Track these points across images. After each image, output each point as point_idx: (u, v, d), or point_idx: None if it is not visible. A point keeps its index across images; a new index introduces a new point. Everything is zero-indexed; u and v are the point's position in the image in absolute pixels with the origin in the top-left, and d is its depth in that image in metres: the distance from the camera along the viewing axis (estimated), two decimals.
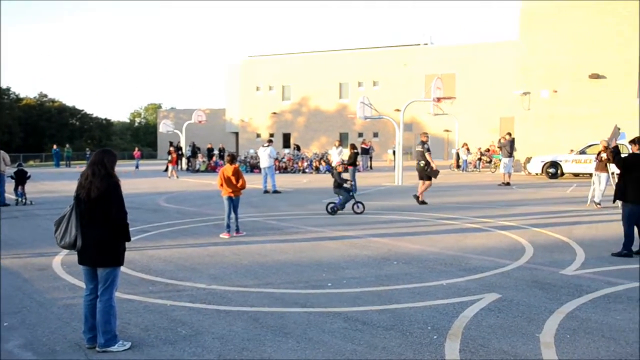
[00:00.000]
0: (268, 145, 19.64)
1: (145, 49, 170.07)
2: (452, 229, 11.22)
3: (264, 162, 19.41)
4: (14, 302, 6.35)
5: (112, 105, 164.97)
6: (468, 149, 32.54)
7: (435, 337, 5.08)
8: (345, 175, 14.35)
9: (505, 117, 40.47)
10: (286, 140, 53.42)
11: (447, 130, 45.03)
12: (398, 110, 29.08)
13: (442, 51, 47.56)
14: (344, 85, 51.53)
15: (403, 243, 9.69)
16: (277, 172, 26.47)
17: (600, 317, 5.60)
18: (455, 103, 28.64)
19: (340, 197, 13.64)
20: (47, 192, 20.52)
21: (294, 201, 16.76)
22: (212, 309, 6.01)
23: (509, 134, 22.41)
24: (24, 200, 16.50)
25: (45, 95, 79.77)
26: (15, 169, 16.86)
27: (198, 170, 34.32)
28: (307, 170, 31.92)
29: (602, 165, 14.54)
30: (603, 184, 14.54)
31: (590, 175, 16.93)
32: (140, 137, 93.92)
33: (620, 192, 8.68)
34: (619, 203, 9.09)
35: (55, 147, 47.83)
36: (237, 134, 60.08)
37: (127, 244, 5.04)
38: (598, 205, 14.36)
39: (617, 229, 9.61)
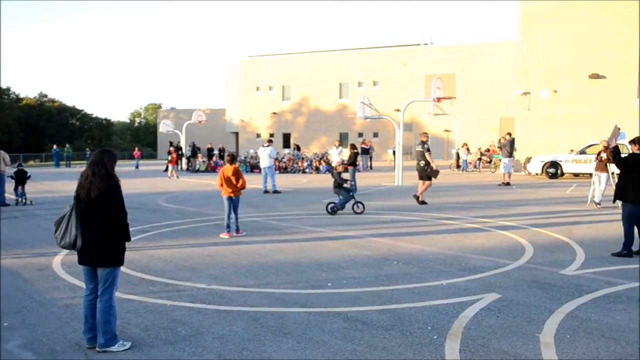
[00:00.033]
0: (268, 145, 19.64)
1: (146, 49, 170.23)
2: (452, 229, 11.22)
3: (264, 162, 19.41)
4: (14, 302, 6.35)
5: (112, 105, 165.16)
6: (468, 149, 32.54)
7: (435, 337, 5.08)
8: (345, 175, 14.34)
9: (505, 117, 40.46)
10: (286, 140, 53.43)
11: (447, 130, 45.04)
12: (398, 110, 29.09)
13: (442, 51, 47.57)
14: (344, 85, 51.54)
15: (403, 243, 9.69)
16: (277, 172, 26.48)
17: (600, 317, 5.60)
18: (455, 103, 28.64)
19: (341, 197, 13.64)
20: (47, 192, 20.52)
21: (294, 201, 16.76)
22: (212, 309, 6.02)
23: (509, 134, 22.41)
24: (24, 200, 16.50)
25: (45, 95, 79.84)
26: (15, 169, 16.86)
27: (198, 170, 34.33)
28: (307, 171, 31.92)
29: (602, 165, 14.55)
30: (603, 184, 14.54)
31: (590, 175, 16.94)
32: (140, 137, 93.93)
33: (620, 192, 8.68)
34: (619, 203, 9.10)
35: (55, 147, 47.83)
36: (237, 134, 60.09)
37: (127, 244, 5.04)
38: (598, 205, 14.36)
39: (617, 229, 9.61)
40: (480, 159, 33.26)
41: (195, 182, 25.79)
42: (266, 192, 19.08)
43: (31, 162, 51.40)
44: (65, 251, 8.28)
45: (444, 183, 21.91)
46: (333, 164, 28.28)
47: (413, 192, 16.22)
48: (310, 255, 8.81)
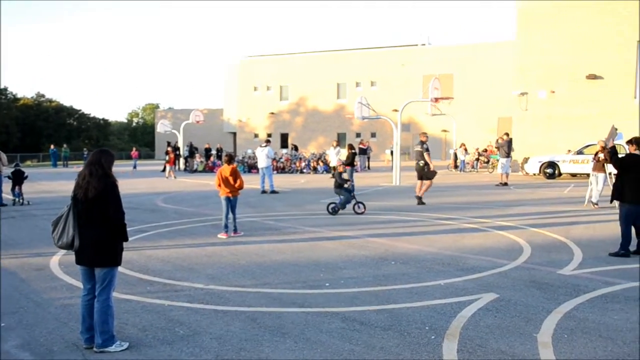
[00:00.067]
0: (266, 146, 19.63)
1: (143, 49, 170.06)
2: (450, 229, 11.23)
3: (262, 162, 19.40)
4: (11, 302, 6.33)
5: (109, 105, 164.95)
6: (466, 149, 32.56)
7: (433, 337, 5.09)
8: (345, 176, 14.34)
9: (503, 117, 40.51)
10: (284, 140, 53.43)
11: (445, 131, 45.08)
12: (396, 110, 29.10)
13: (439, 51, 47.61)
14: (341, 85, 51.55)
15: (401, 243, 9.70)
16: (275, 172, 26.48)
17: (597, 317, 5.61)
18: (453, 103, 28.66)
19: (341, 197, 13.64)
20: (45, 192, 20.49)
21: (292, 201, 16.75)
22: (210, 309, 6.01)
23: (507, 134, 22.42)
24: (21, 201, 16.46)
25: (43, 95, 79.68)
26: (12, 169, 16.84)
27: (196, 171, 34.30)
28: (304, 171, 31.92)
29: (599, 166, 14.58)
30: (600, 184, 14.56)
31: (588, 175, 16.95)
32: (138, 137, 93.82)
33: (618, 192, 8.70)
34: (616, 203, 9.11)
35: (52, 147, 47.75)
36: (234, 134, 60.06)
37: (124, 244, 5.04)
38: (595, 206, 14.39)
39: (614, 229, 9.62)
40: (478, 159, 33.30)
41: (193, 182, 25.77)
42: (264, 192, 19.08)
43: (28, 162, 51.30)
44: (63, 251, 8.26)
45: (441, 183, 21.91)
46: (331, 164, 28.37)
47: (411, 192, 16.23)
48: (308, 255, 8.81)
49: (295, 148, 38.70)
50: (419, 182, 15.58)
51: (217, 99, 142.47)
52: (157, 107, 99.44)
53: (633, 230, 8.61)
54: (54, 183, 25.69)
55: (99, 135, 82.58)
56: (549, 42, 27.79)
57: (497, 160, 24.42)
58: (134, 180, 26.49)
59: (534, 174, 24.66)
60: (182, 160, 36.77)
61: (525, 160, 25.98)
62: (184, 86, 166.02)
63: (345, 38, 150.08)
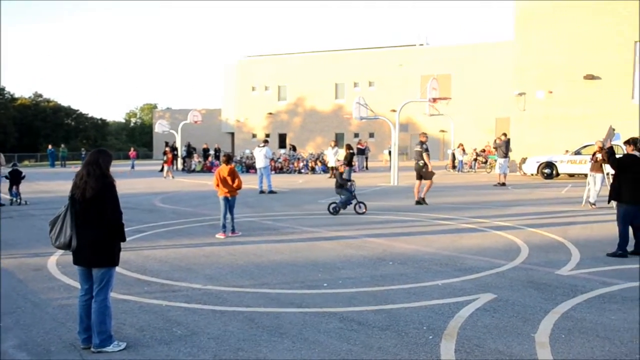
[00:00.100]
0: (264, 146, 19.63)
1: (142, 49, 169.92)
2: (448, 229, 11.24)
3: (260, 162, 19.40)
4: (8, 302, 6.33)
5: (107, 105, 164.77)
6: (464, 150, 32.58)
7: (430, 337, 5.09)
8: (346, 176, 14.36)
9: (501, 117, 40.55)
10: (282, 140, 53.42)
11: (443, 131, 45.10)
12: (394, 110, 29.11)
13: (437, 52, 47.64)
14: (339, 85, 51.56)
15: (399, 243, 9.70)
16: (273, 172, 26.48)
17: (595, 317, 5.62)
18: (450, 103, 28.68)
19: (342, 197, 13.64)
20: (42, 192, 20.46)
21: (290, 201, 16.75)
22: (208, 309, 6.01)
23: (505, 134, 22.45)
24: (18, 201, 16.45)
25: (41, 95, 79.52)
26: (9, 169, 16.81)
27: (193, 171, 34.27)
28: (302, 171, 31.91)
29: (597, 166, 14.60)
30: (598, 184, 14.59)
31: (586, 175, 16.97)
32: (136, 137, 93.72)
33: (615, 193, 8.71)
34: (613, 203, 9.13)
35: (50, 147, 47.69)
36: (232, 134, 60.05)
37: (122, 244, 5.04)
38: (593, 206, 14.41)
39: (612, 229, 9.64)
40: (475, 160, 33.32)
41: (191, 182, 25.76)
42: (262, 192, 19.08)
43: (26, 162, 51.22)
44: (61, 251, 8.26)
45: (439, 183, 21.92)
46: (329, 165, 28.38)
47: (409, 192, 16.25)
48: (306, 255, 8.81)
49: (293, 148, 38.72)
50: (418, 182, 15.61)
51: (215, 99, 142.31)
52: (155, 107, 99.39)
53: (630, 230, 8.62)
54: (52, 183, 25.66)
55: (96, 135, 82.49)
56: (547, 43, 27.82)
57: (495, 161, 24.46)
58: (131, 180, 26.46)
59: (532, 174, 24.69)
60: (180, 160, 36.75)
61: (523, 160, 26.01)
62: (182, 86, 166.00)
63: (343, 38, 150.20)
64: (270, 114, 54.43)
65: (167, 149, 30.04)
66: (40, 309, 6.07)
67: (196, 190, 21.10)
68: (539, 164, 24.25)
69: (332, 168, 27.40)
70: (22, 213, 14.51)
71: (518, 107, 28.83)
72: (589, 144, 21.85)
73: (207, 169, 33.84)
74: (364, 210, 13.52)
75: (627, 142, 8.95)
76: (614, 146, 9.75)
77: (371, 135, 49.51)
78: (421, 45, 50.15)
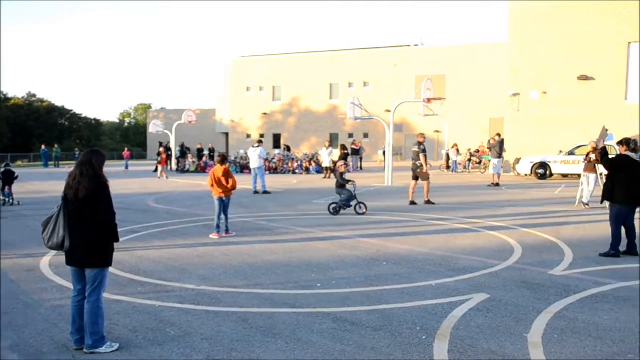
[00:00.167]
0: (258, 146, 19.61)
1: (136, 49, 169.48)
2: (441, 230, 11.26)
3: (254, 162, 19.37)
4: (1, 302, 6.29)
5: (101, 105, 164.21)
6: (458, 150, 32.63)
7: (423, 337, 5.10)
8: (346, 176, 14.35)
9: (495, 117, 40.67)
10: (276, 140, 53.39)
11: (437, 131, 45.18)
12: (388, 110, 29.13)
13: (432, 52, 47.72)
14: (334, 85, 51.57)
15: (392, 243, 9.71)
16: (267, 172, 26.44)
17: (587, 316, 5.64)
18: (445, 104, 28.70)
19: (342, 196, 13.64)
20: (35, 193, 20.38)
21: (284, 201, 16.74)
22: (201, 309, 6.00)
23: (498, 134, 22.50)
24: (11, 201, 16.37)
25: (34, 95, 79.23)
26: (2, 169, 16.72)
27: (187, 171, 34.20)
28: (297, 171, 31.90)
29: (590, 166, 14.66)
30: (591, 184, 14.64)
31: (579, 175, 17.04)
32: (130, 137, 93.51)
33: (608, 193, 8.75)
34: (606, 203, 9.16)
35: (43, 147, 47.49)
36: (227, 134, 59.97)
37: (115, 245, 5.02)
38: (586, 206, 14.47)
39: (604, 229, 9.68)
40: (469, 160, 33.37)
41: (185, 182, 25.71)
42: (256, 192, 19.06)
43: (19, 162, 50.99)
44: (53, 252, 8.24)
45: (433, 184, 21.83)
46: (323, 165, 28.38)
47: (403, 192, 16.26)
48: (300, 255, 8.81)
49: (288, 148, 38.69)
50: (413, 182, 15.66)
51: (210, 99, 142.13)
52: (149, 107, 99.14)
53: (623, 230, 8.66)
54: (45, 183, 25.55)
55: (90, 135, 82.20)
56: (541, 43, 27.92)
57: (489, 161, 24.49)
58: (125, 181, 26.39)
59: (526, 175, 24.76)
60: (173, 161, 36.67)
61: (517, 160, 26.08)
62: (176, 86, 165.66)
63: (338, 38, 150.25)
64: (265, 114, 54.38)
65: (161, 149, 29.97)
66: (33, 310, 6.04)
67: (190, 191, 21.06)
68: (532, 164, 24.32)
69: (327, 168, 27.42)
70: (14, 213, 14.44)
71: (512, 108, 28.92)
72: (582, 144, 21.94)
73: (201, 169, 33.77)
74: (364, 210, 13.52)
75: (620, 143, 9.00)
76: (607, 146, 9.78)
77: (365, 135, 49.54)
78: (415, 45, 50.20)
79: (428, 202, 15.48)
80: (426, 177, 15.49)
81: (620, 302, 6.12)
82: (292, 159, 33.79)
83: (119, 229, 5.02)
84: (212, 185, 10.53)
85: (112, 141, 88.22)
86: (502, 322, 5.49)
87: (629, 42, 26.37)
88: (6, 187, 16.39)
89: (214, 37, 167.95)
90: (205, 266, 8.07)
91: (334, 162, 27.77)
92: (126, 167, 38.48)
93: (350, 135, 48.58)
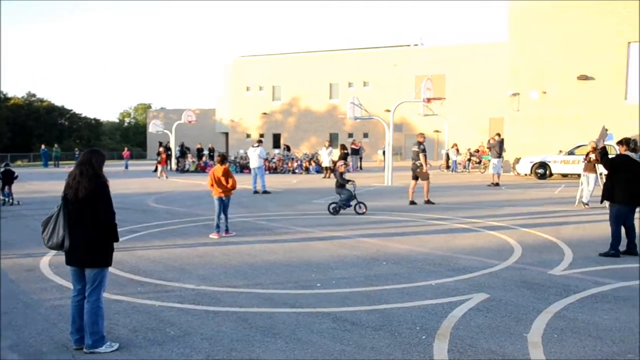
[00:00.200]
0: (258, 146, 19.60)
1: (136, 49, 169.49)
2: (441, 230, 11.26)
3: (254, 162, 19.37)
4: (1, 302, 6.29)
5: (101, 105, 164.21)
6: (458, 150, 32.63)
7: (423, 337, 5.10)
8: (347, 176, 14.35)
9: (495, 117, 40.67)
10: (276, 140, 53.39)
11: (437, 131, 45.18)
12: (388, 110, 29.13)
13: (432, 52, 47.71)
14: (334, 85, 51.57)
15: (392, 243, 9.71)
16: (267, 172, 26.45)
17: (587, 316, 5.64)
18: (445, 104, 28.70)
19: (342, 196, 13.64)
20: (35, 193, 20.38)
21: (284, 201, 16.74)
22: (201, 309, 6.00)
23: (498, 134, 22.50)
24: (11, 201, 16.37)
25: (34, 95, 79.22)
26: (2, 169, 16.72)
27: (187, 171, 34.20)
28: (297, 171, 31.90)
29: (590, 166, 14.66)
30: (591, 184, 14.64)
31: (579, 175, 17.04)
32: (130, 137, 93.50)
33: (608, 193, 8.75)
34: (606, 203, 9.16)
35: (43, 147, 47.48)
36: (227, 134, 59.96)
37: (115, 245, 5.02)
38: (586, 206, 14.46)
39: (604, 229, 9.68)
40: (469, 160, 33.37)
41: (185, 182, 25.71)
42: (256, 192, 19.05)
43: (19, 162, 50.99)
44: (53, 252, 8.24)
45: (433, 184, 21.86)
46: (323, 165, 28.38)
47: (403, 192, 16.26)
48: (300, 255, 8.81)
49: (288, 148, 38.69)
50: (413, 182, 15.66)
51: (210, 99, 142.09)
52: (149, 107, 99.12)
53: (623, 230, 8.66)
54: (45, 183, 25.55)
55: (90, 135, 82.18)
56: (541, 43, 27.92)
57: (489, 161, 24.48)
58: (125, 181, 26.39)
59: (526, 175, 24.75)
60: (173, 161, 36.67)
61: (517, 160, 26.08)
62: (176, 86, 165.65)
63: (338, 38, 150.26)
64: (265, 114, 54.38)
65: (161, 149, 29.97)
66: (33, 310, 6.04)
67: (190, 191, 21.06)
68: (532, 164, 24.32)
69: (327, 168, 27.42)
70: (14, 213, 14.44)
71: (512, 108, 28.92)
72: (582, 144, 21.94)
73: (201, 169, 33.77)
74: (364, 210, 13.52)
75: (619, 143, 9.00)
76: (607, 146, 9.79)
77: (365, 135, 49.54)
78: (416, 45, 50.20)
79: (428, 202, 15.49)
80: (426, 177, 15.49)
81: (620, 302, 6.12)
82: (292, 159, 33.79)
83: (119, 229, 5.03)
84: (212, 185, 10.53)
85: (112, 141, 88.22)
86: (502, 322, 5.49)
87: (629, 42, 26.37)
88: (6, 187, 16.39)
89: (214, 37, 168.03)
90: (205, 266, 8.07)
91: (334, 162, 27.91)
92: (126, 167, 38.48)
93: (350, 135, 48.57)
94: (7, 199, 16.35)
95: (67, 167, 38.14)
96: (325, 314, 5.79)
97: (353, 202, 13.57)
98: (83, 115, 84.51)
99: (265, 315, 5.77)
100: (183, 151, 36.47)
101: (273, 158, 33.85)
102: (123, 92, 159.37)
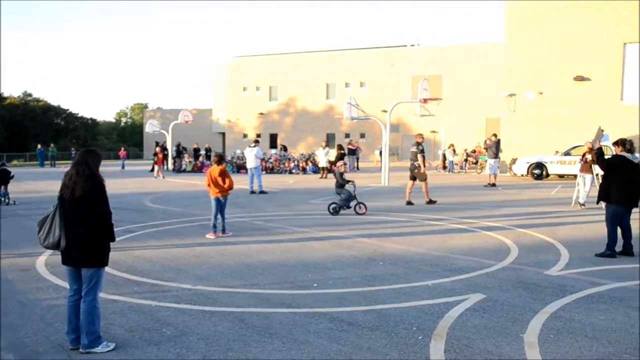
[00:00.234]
0: (254, 146, 19.59)
1: (133, 48, 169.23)
2: (438, 230, 11.27)
3: (251, 162, 19.36)
4: None
5: (98, 104, 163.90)
6: (454, 150, 32.69)
7: (420, 337, 5.10)
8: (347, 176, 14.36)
9: (491, 118, 40.71)
10: (273, 140, 53.37)
11: (434, 132, 45.23)
12: (385, 111, 29.18)
13: (429, 52, 47.76)
14: (331, 86, 51.59)
15: (389, 243, 9.72)
16: (264, 172, 26.45)
17: (583, 317, 5.65)
18: (441, 104, 28.81)
19: (342, 197, 13.64)
20: (31, 192, 20.33)
21: (281, 202, 16.74)
22: (198, 309, 5.99)
23: (495, 135, 22.54)
24: (7, 200, 16.33)
25: (30, 95, 79.02)
26: None
27: (184, 171, 34.18)
28: (293, 171, 31.90)
29: (586, 167, 14.69)
30: (587, 185, 14.68)
31: (575, 176, 17.08)
32: (127, 137, 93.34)
33: (604, 193, 8.77)
34: (602, 204, 9.18)
35: (39, 146, 47.36)
36: (223, 134, 59.93)
37: (112, 244, 5.01)
38: (582, 206, 14.49)
39: (600, 230, 9.70)
40: (466, 160, 33.43)
41: (181, 182, 25.68)
42: (252, 192, 19.04)
43: (15, 162, 50.90)
44: (49, 251, 8.22)
45: (430, 184, 21.91)
46: (320, 165, 28.38)
47: (400, 192, 16.28)
48: (297, 255, 8.81)
49: (284, 148, 38.69)
50: (411, 182, 15.67)
51: (206, 99, 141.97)
52: (145, 107, 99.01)
53: (619, 230, 8.69)
54: (41, 183, 25.50)
55: (86, 135, 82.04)
56: (538, 44, 27.97)
57: (486, 161, 24.54)
58: (122, 180, 26.36)
59: (522, 175, 24.80)
60: (170, 160, 36.63)
61: (513, 161, 26.13)
62: (173, 86, 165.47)
63: (335, 38, 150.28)
64: (262, 114, 54.38)
65: (158, 149, 29.92)
66: (29, 310, 6.03)
67: (187, 191, 21.04)
68: (529, 164, 24.37)
69: (323, 168, 27.43)
70: (10, 213, 14.40)
71: (508, 108, 28.96)
72: (578, 145, 21.97)
73: (198, 169, 33.76)
74: (364, 211, 13.52)
75: (615, 143, 9.01)
76: (603, 147, 9.82)
77: (362, 135, 49.58)
78: (412, 45, 50.26)
79: (430, 202, 15.49)
80: (424, 178, 15.51)
81: (616, 303, 6.13)
82: (289, 159, 33.79)
83: (115, 229, 5.02)
84: (209, 185, 10.53)
85: (108, 141, 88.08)
86: (499, 322, 5.50)
87: (625, 43, 26.42)
88: (2, 187, 16.35)
89: (211, 37, 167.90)
90: (202, 266, 8.06)
91: (331, 163, 27.96)
92: (123, 167, 38.43)
93: (347, 136, 48.61)
94: (3, 199, 16.30)
95: (64, 167, 38.09)
96: (321, 314, 5.79)
97: (353, 203, 13.57)
98: (79, 114, 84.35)
99: (262, 316, 5.76)
100: (179, 151, 36.44)
101: (270, 158, 33.84)
102: (120, 91, 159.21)
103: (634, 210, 8.95)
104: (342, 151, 28.62)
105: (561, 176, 24.63)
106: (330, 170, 27.01)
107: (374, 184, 22.93)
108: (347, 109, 24.42)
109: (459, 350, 4.79)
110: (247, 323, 5.52)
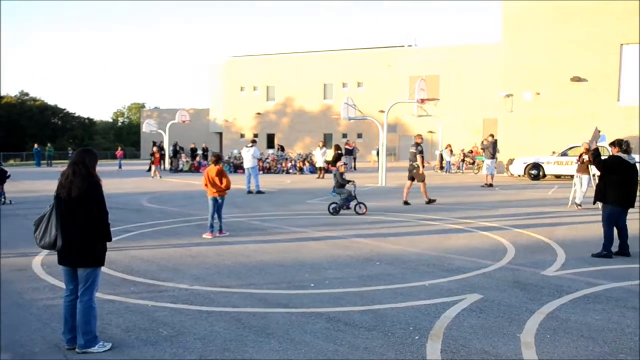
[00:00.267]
0: (252, 146, 19.58)
1: (130, 48, 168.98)
2: (435, 230, 11.28)
3: (248, 162, 19.35)
4: None
5: (95, 104, 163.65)
6: (451, 151, 32.72)
7: (417, 337, 5.10)
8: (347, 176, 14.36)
9: (489, 118, 40.76)
10: (270, 140, 53.35)
11: (431, 132, 45.23)
12: (382, 111, 29.16)
13: (426, 53, 47.78)
14: (328, 86, 51.58)
15: (386, 244, 9.72)
16: (261, 172, 26.42)
17: (579, 317, 5.66)
18: (438, 104, 28.80)
19: (342, 196, 13.64)
20: (28, 192, 20.28)
21: (278, 202, 16.73)
22: (194, 309, 5.99)
23: (492, 135, 22.56)
24: (3, 200, 16.28)
25: (27, 94, 78.92)
26: None
27: (181, 170, 34.14)
28: (290, 171, 31.88)
29: (583, 167, 14.72)
30: (584, 185, 14.70)
31: (572, 177, 17.11)
32: (124, 137, 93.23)
33: (601, 194, 8.78)
34: (599, 204, 9.20)
35: (36, 146, 47.30)
36: (220, 134, 59.88)
37: (108, 244, 5.00)
38: (579, 207, 14.52)
39: (597, 230, 9.72)
40: (463, 160, 33.46)
41: (178, 182, 25.65)
42: (250, 192, 19.03)
43: (11, 162, 50.81)
44: (45, 251, 8.20)
45: (427, 184, 21.94)
46: (317, 165, 28.37)
47: (397, 192, 16.28)
48: (293, 255, 8.80)
49: (282, 148, 38.67)
50: (409, 182, 15.69)
51: (203, 99, 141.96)
52: (142, 106, 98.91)
53: (615, 231, 8.70)
54: (38, 182, 25.44)
55: (83, 134, 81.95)
56: (535, 45, 28.01)
57: (483, 162, 24.55)
58: (119, 180, 26.31)
59: (519, 175, 24.83)
60: (167, 160, 36.59)
61: (510, 161, 26.16)
62: (170, 86, 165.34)
63: (332, 38, 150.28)
64: (259, 114, 54.35)
65: (155, 148, 29.88)
66: (25, 310, 6.01)
67: (184, 190, 21.01)
68: (526, 165, 24.40)
69: (321, 168, 27.42)
70: (6, 213, 14.36)
71: (505, 109, 28.99)
72: (575, 146, 22.02)
73: (195, 169, 33.73)
74: (364, 211, 13.52)
75: (612, 144, 9.04)
76: (599, 148, 9.83)
77: (359, 135, 49.58)
78: (410, 46, 50.28)
79: (429, 201, 15.49)
80: (422, 178, 15.52)
81: (613, 303, 6.15)
82: (286, 159, 33.77)
83: (112, 229, 5.01)
84: (206, 185, 10.52)
85: (105, 141, 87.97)
86: (495, 322, 5.50)
87: (622, 44, 26.48)
88: None
89: (208, 37, 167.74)
90: (198, 266, 8.05)
91: (328, 163, 27.97)
92: (119, 166, 38.37)
93: (344, 136, 48.61)
94: None
95: (60, 167, 37.98)
96: (318, 314, 5.79)
97: (353, 203, 13.58)
98: (76, 114, 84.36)
99: (259, 316, 5.76)
100: (177, 151, 36.39)
101: (267, 158, 33.82)
102: (117, 91, 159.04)
103: (630, 210, 8.97)
104: (340, 151, 28.63)
105: (558, 177, 24.66)
106: (327, 171, 27.01)
107: (371, 184, 22.92)
108: (345, 109, 24.42)
109: (455, 350, 4.79)
110: (244, 323, 5.52)
